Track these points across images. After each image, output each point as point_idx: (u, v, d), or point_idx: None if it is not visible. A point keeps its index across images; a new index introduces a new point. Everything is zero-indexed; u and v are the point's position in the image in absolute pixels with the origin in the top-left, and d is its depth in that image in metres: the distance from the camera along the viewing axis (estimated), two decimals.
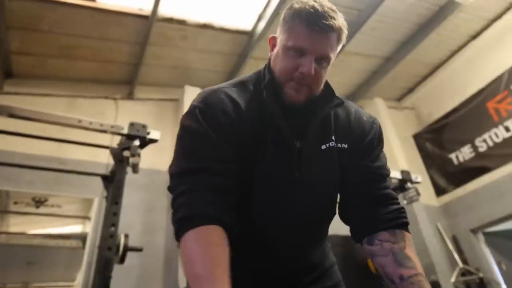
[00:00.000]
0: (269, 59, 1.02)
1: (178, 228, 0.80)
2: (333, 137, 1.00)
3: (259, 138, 0.94)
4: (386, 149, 4.22)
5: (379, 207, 0.98)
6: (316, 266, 1.10)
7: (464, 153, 5.23)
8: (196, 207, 0.80)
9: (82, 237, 3.29)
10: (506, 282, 4.60)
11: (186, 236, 0.77)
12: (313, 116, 0.97)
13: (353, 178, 1.02)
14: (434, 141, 5.71)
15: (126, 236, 2.27)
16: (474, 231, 4.98)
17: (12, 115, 2.25)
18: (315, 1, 0.89)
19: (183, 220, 0.79)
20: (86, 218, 3.42)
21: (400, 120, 6.03)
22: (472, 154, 5.13)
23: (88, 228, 3.33)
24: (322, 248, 1.14)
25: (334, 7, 0.91)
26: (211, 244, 0.76)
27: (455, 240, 5.06)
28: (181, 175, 0.87)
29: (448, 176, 5.42)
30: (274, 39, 1.00)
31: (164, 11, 3.72)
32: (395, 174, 3.74)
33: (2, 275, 2.94)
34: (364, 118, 1.08)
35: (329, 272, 1.13)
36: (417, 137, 5.97)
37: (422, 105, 6.07)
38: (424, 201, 4.89)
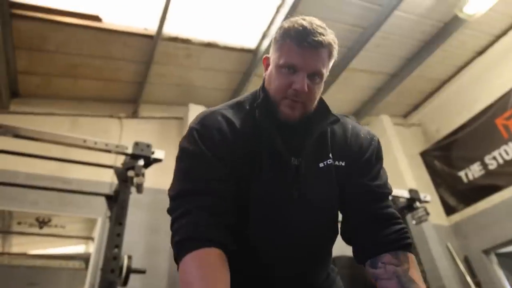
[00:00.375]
0: (264, 79, 1.05)
1: (177, 252, 0.81)
2: (330, 155, 1.01)
3: (255, 156, 0.95)
4: (393, 167, 4.24)
5: (380, 228, 0.96)
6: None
7: (474, 171, 5.20)
8: (194, 230, 0.80)
9: (85, 258, 3.27)
10: None
11: (184, 260, 0.78)
12: (309, 133, 0.97)
13: (353, 197, 1.01)
14: (442, 158, 5.68)
15: (130, 257, 2.26)
16: (486, 252, 4.90)
17: (17, 135, 2.28)
18: (304, 20, 0.92)
19: (181, 244, 0.80)
20: (89, 238, 3.41)
21: (407, 137, 6.01)
22: (482, 172, 5.09)
23: (91, 248, 3.31)
24: (325, 271, 1.11)
25: (323, 25, 0.94)
26: (209, 266, 0.76)
27: (467, 262, 4.98)
28: (179, 197, 0.89)
29: (458, 195, 5.37)
30: (267, 59, 1.03)
31: (169, 30, 3.80)
32: (403, 193, 3.72)
33: None
34: (362, 134, 1.08)
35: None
36: (424, 155, 5.94)
37: (429, 122, 6.07)
38: (433, 220, 4.85)
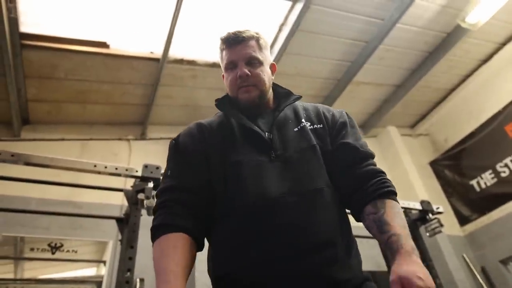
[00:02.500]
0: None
1: (153, 234, 0.94)
2: (303, 120, 1.13)
3: (228, 139, 1.08)
4: (403, 178, 4.23)
5: (362, 184, 1.01)
6: (337, 267, 0.88)
7: (486, 179, 5.15)
8: (165, 218, 0.95)
9: (97, 282, 3.25)
10: None
11: (157, 241, 0.92)
12: (278, 110, 1.12)
13: (338, 158, 1.07)
14: (452, 168, 5.64)
15: (142, 280, 2.26)
16: (504, 262, 4.82)
17: (28, 163, 2.31)
18: (229, 32, 1.16)
19: (155, 228, 0.95)
20: (101, 261, 3.41)
21: (415, 147, 5.99)
22: (494, 180, 5.04)
23: (103, 271, 3.30)
24: (343, 241, 0.95)
25: (246, 29, 1.16)
26: (176, 247, 0.89)
27: (484, 273, 4.89)
28: (160, 193, 1.04)
29: (471, 204, 5.32)
30: (223, 75, 1.21)
31: (175, 52, 3.86)
32: (415, 205, 3.66)
33: None
34: (332, 109, 1.22)
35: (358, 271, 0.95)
36: (434, 165, 5.91)
37: (437, 131, 6.05)
38: (447, 231, 4.76)
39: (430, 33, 4.54)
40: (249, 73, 1.09)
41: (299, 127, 1.11)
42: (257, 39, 1.16)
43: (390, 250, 0.85)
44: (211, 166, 1.05)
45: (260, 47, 1.15)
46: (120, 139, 4.35)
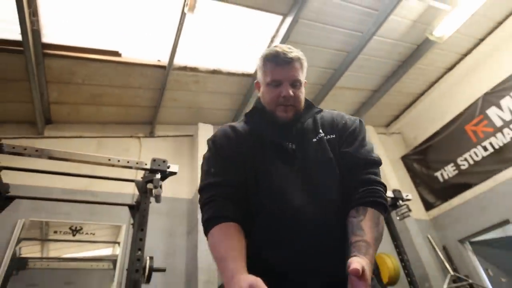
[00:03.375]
0: (258, 97, 1.21)
1: (206, 226, 0.95)
2: (320, 131, 1.11)
3: (258, 148, 1.07)
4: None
5: (356, 190, 0.98)
6: (339, 268, 0.86)
7: (448, 171, 5.21)
8: (218, 211, 0.95)
9: (113, 260, 3.27)
10: (493, 287, 4.49)
11: (211, 231, 0.93)
12: (299, 122, 1.11)
13: (343, 165, 1.04)
14: (420, 161, 5.69)
15: (151, 258, 2.27)
16: (462, 241, 4.90)
17: (51, 157, 2.32)
18: (275, 46, 1.10)
19: (209, 220, 0.95)
20: (115, 242, 3.43)
21: (389, 144, 6.04)
22: (455, 172, 5.11)
23: (118, 251, 3.32)
24: (341, 241, 0.94)
25: (290, 47, 1.11)
26: (229, 235, 0.90)
27: (445, 250, 4.97)
28: (204, 189, 1.04)
29: (435, 193, 5.37)
30: (258, 83, 1.19)
31: (179, 60, 3.85)
32: (388, 194, 3.72)
33: None
34: (346, 117, 1.18)
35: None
36: (405, 159, 5.95)
37: (408, 130, 6.09)
38: (415, 215, 4.83)
39: (402, 44, 4.57)
40: (292, 94, 1.06)
41: (317, 137, 1.09)
42: (301, 62, 1.10)
43: (356, 249, 0.82)
44: (246, 168, 1.04)
45: (302, 69, 1.10)
46: (131, 136, 4.35)
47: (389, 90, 5.16)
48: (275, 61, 1.07)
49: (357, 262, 0.72)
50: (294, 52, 1.08)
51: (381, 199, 0.95)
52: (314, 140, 1.08)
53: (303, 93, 1.11)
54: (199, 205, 1.06)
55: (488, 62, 4.90)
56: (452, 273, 4.64)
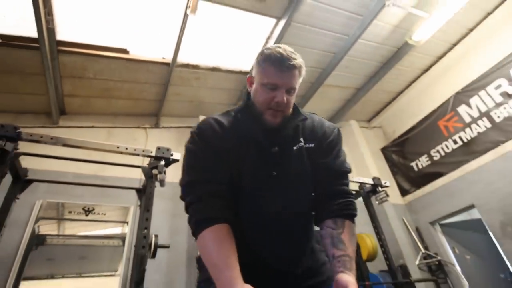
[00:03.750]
0: (248, 93, 1.06)
1: (196, 228, 0.86)
2: (301, 139, 1.02)
3: (242, 147, 0.96)
4: (360, 161, 4.28)
5: (332, 200, 0.96)
6: (305, 260, 1.02)
7: (422, 162, 5.25)
8: (207, 212, 0.86)
9: (122, 238, 3.29)
10: (458, 263, 4.60)
11: (202, 234, 0.83)
12: (285, 129, 1.00)
13: (318, 174, 1.00)
14: (398, 153, 5.73)
15: (156, 236, 2.28)
16: (432, 223, 4.98)
17: (65, 145, 2.31)
18: (279, 47, 0.96)
19: (198, 222, 0.85)
20: (124, 222, 3.44)
21: (370, 137, 6.06)
22: (428, 162, 5.15)
23: (126, 229, 3.34)
24: (309, 244, 1.06)
25: (293, 51, 0.98)
26: (222, 240, 0.81)
27: (418, 231, 5.06)
28: (189, 186, 0.93)
29: (410, 180, 5.42)
30: (251, 78, 1.04)
31: (182, 58, 3.83)
32: (369, 181, 3.74)
33: (62, 268, 2.95)
34: (326, 125, 1.09)
35: (321, 269, 1.04)
36: (384, 150, 5.99)
37: (387, 125, 6.12)
38: (392, 201, 4.90)
39: (384, 47, 4.57)
40: (285, 101, 0.95)
41: (298, 146, 1.01)
42: (301, 70, 0.98)
43: (341, 264, 0.83)
44: (230, 165, 0.95)
45: (300, 76, 0.98)
46: (138, 127, 4.34)
47: (372, 88, 5.17)
48: (277, 65, 0.94)
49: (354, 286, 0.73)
50: (297, 58, 0.96)
51: (355, 211, 0.96)
52: (295, 147, 1.01)
53: (294, 99, 1.01)
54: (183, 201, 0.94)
55: (460, 65, 4.92)
56: (423, 251, 4.76)
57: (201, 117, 4.62)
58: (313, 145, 1.03)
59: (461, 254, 4.69)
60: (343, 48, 4.29)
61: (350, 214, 0.95)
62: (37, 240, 2.98)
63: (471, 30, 4.76)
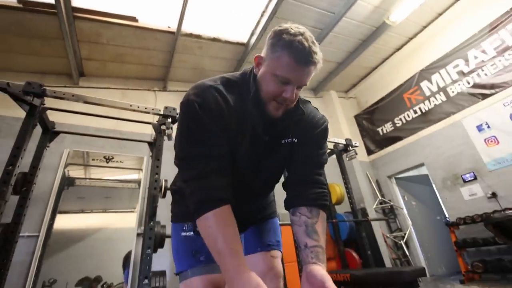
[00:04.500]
0: (252, 70, 0.84)
1: (198, 208, 0.70)
2: (290, 134, 0.88)
3: (241, 130, 0.81)
4: (336, 125, 4.32)
5: (308, 188, 0.85)
6: (264, 208, 1.07)
7: (387, 128, 5.31)
8: (211, 192, 0.71)
9: (138, 182, 3.37)
10: (406, 208, 4.88)
11: (205, 216, 0.69)
12: (282, 122, 0.85)
13: (299, 161, 0.88)
14: (368, 119, 5.75)
15: (166, 180, 2.34)
16: (389, 177, 5.18)
17: (86, 102, 2.27)
18: (301, 34, 0.72)
19: (201, 204, 0.70)
20: (139, 169, 3.50)
21: (347, 106, 6.05)
22: (392, 128, 5.21)
23: (141, 175, 3.41)
24: (268, 198, 1.09)
25: (314, 38, 0.75)
26: (227, 224, 0.69)
27: (377, 183, 5.28)
28: (190, 158, 0.74)
29: (376, 143, 5.51)
30: (260, 58, 0.80)
31: (186, 28, 3.62)
32: (342, 141, 3.78)
33: (90, 205, 3.04)
34: (316, 118, 0.92)
35: (269, 205, 1.09)
36: (357, 117, 6.01)
37: (361, 96, 6.07)
38: (359, 158, 5.07)
39: (364, 26, 4.38)
40: (294, 97, 0.77)
41: (286, 140, 0.87)
42: (318, 66, 0.76)
43: (314, 255, 0.74)
44: (229, 140, 0.79)
45: (315, 70, 0.77)
46: (148, 90, 4.22)
47: (350, 63, 5.03)
48: (297, 58, 0.71)
49: (334, 286, 0.64)
50: (317, 52, 0.74)
51: (328, 202, 0.87)
52: (283, 141, 0.87)
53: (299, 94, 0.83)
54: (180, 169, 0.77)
55: (427, 46, 4.78)
56: (380, 198, 5.03)
57: None
58: (296, 140, 0.89)
59: (409, 201, 4.96)
60: (329, 24, 4.09)
61: (324, 205, 0.85)
62: (68, 182, 3.03)
63: (440, 14, 4.56)
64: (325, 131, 0.92)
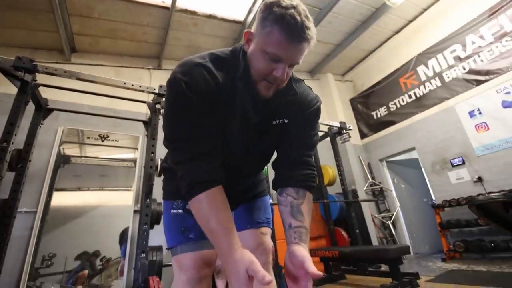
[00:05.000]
0: (242, 47, 0.77)
1: (189, 190, 0.70)
2: (282, 115, 0.84)
3: (230, 110, 0.77)
4: (332, 108, 4.33)
5: (296, 168, 0.83)
6: (255, 186, 1.08)
7: (381, 112, 5.31)
8: (202, 174, 0.69)
9: (133, 160, 3.38)
10: (395, 190, 5.02)
11: (198, 198, 0.68)
12: (273, 102, 0.80)
13: (290, 141, 0.85)
14: (363, 103, 5.74)
15: (161, 159, 2.37)
16: (381, 160, 5.26)
17: (79, 79, 2.22)
18: (294, 8, 0.66)
19: (192, 186, 0.69)
20: (135, 148, 3.50)
21: (343, 89, 6.01)
22: (386, 112, 5.22)
23: (137, 154, 3.41)
24: (259, 176, 1.10)
25: (307, 12, 0.68)
26: (219, 204, 0.69)
27: (369, 166, 5.37)
28: (180, 140, 0.71)
29: (369, 126, 5.53)
30: (249, 34, 0.74)
31: (180, 3, 3.47)
32: (336, 124, 3.81)
33: (86, 182, 3.06)
34: (309, 97, 0.87)
35: (259, 184, 1.10)
36: (352, 101, 5.99)
37: (358, 79, 6.01)
38: (352, 142, 5.13)
39: (364, 6, 4.25)
40: (285, 77, 0.71)
41: (278, 121, 0.83)
42: (311, 43, 0.69)
43: (297, 235, 0.74)
44: (218, 119, 0.76)
45: (308, 49, 0.71)
46: (143, 68, 4.11)
47: (348, 45, 4.93)
48: (289, 33, 0.65)
49: (313, 266, 0.63)
50: (311, 27, 0.67)
51: (315, 183, 0.85)
52: (274, 122, 0.83)
53: (291, 72, 0.77)
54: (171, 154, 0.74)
55: (426, 29, 4.69)
56: (370, 180, 5.16)
57: None
58: (287, 121, 0.84)
59: (398, 183, 5.10)
60: (329, 4, 3.98)
61: (311, 186, 0.83)
62: (63, 159, 3.03)
63: None
64: (317, 112, 0.88)
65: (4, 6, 2.92)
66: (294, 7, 0.66)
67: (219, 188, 0.70)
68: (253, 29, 0.73)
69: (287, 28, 0.65)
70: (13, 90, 2.07)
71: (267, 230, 1.04)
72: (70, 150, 3.14)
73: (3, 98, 2.80)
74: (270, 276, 0.58)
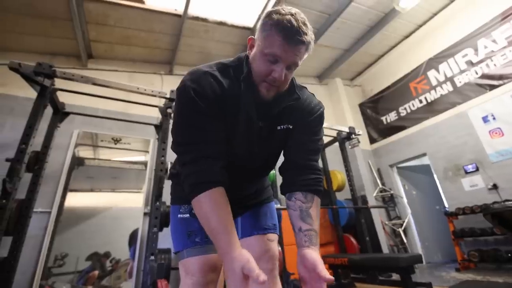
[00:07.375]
0: (247, 55, 0.82)
1: (192, 191, 0.72)
2: (285, 121, 0.86)
3: (236, 115, 0.80)
4: (340, 113, 4.29)
5: (303, 173, 0.85)
6: (261, 192, 1.08)
7: (391, 117, 5.24)
8: (205, 175, 0.71)
9: (144, 163, 3.42)
10: (406, 196, 4.90)
11: (199, 197, 0.70)
12: (276, 106, 0.82)
13: (295, 147, 0.87)
14: (372, 108, 5.68)
15: (171, 162, 2.40)
16: (391, 166, 5.17)
17: (94, 84, 2.28)
18: (292, 15, 0.71)
19: (195, 185, 0.71)
20: (146, 151, 3.54)
21: (351, 94, 5.96)
22: (396, 117, 5.15)
23: (148, 157, 3.45)
24: (264, 183, 1.10)
25: (306, 21, 0.73)
26: (219, 204, 0.70)
27: (379, 171, 5.28)
28: (186, 144, 0.75)
29: (379, 131, 5.47)
30: (252, 40, 0.79)
31: (192, 11, 3.55)
32: (345, 129, 3.77)
33: (99, 184, 3.11)
34: (312, 104, 0.90)
35: (264, 190, 1.10)
36: (361, 106, 5.94)
37: (367, 84, 5.96)
38: (362, 147, 5.04)
39: (373, 12, 4.23)
40: (283, 79, 0.74)
41: (282, 126, 0.85)
42: (309, 46, 0.74)
43: (308, 238, 0.75)
44: (224, 124, 0.79)
45: (306, 52, 0.75)
46: (155, 73, 4.19)
47: (357, 51, 4.90)
48: (284, 35, 0.70)
49: (325, 270, 0.66)
50: (308, 33, 0.71)
51: (322, 187, 0.87)
52: (279, 128, 0.85)
53: (292, 74, 0.79)
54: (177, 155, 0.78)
55: (436, 34, 4.62)
56: (380, 186, 5.06)
57: None
58: (292, 127, 0.87)
59: (409, 190, 4.98)
60: (337, 10, 3.98)
61: (319, 190, 0.85)
62: (78, 161, 3.10)
63: (452, 1, 4.39)
64: (320, 118, 0.91)
65: (25, 14, 3.05)
66: (292, 14, 0.71)
67: (221, 189, 0.72)
68: (255, 36, 0.79)
69: (283, 30, 0.70)
70: (32, 94, 2.14)
71: (273, 237, 1.02)
72: (84, 152, 3.21)
73: (23, 102, 2.90)
74: (265, 275, 0.58)
